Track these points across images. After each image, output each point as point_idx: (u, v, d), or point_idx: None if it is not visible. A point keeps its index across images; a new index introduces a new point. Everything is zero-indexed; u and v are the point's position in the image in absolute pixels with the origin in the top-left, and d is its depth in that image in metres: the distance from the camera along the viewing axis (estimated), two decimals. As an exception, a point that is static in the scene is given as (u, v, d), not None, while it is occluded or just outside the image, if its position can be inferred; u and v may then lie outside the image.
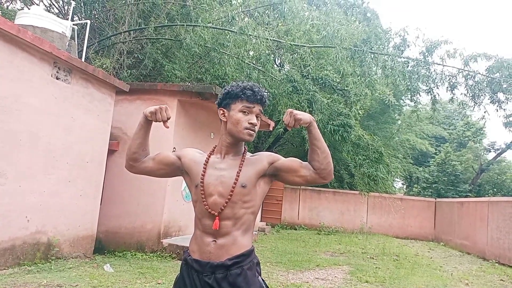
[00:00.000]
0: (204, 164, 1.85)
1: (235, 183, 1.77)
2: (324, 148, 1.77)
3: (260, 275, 1.86)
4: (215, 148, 1.93)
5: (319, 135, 1.77)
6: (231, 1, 10.95)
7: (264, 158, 1.88)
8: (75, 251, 6.28)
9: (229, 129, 1.84)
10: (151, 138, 1.98)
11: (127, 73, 9.02)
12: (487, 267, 9.48)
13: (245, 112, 1.81)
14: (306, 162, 1.82)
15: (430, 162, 23.13)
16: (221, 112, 1.87)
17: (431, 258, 10.44)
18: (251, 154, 1.92)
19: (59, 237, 5.89)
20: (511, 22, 63.12)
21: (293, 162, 1.84)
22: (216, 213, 1.76)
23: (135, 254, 7.03)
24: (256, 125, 1.83)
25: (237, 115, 1.81)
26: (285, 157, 1.90)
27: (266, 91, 1.89)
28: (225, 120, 1.85)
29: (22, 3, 10.93)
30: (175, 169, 1.95)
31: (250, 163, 1.85)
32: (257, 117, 1.85)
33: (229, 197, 1.76)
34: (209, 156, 1.89)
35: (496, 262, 10.16)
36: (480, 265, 9.86)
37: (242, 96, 1.81)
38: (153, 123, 1.93)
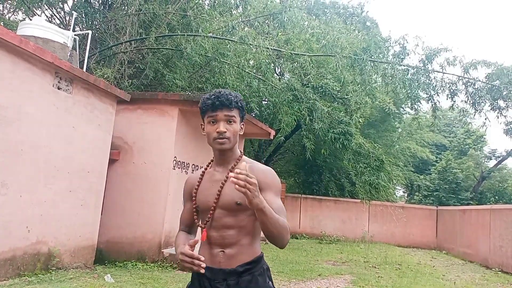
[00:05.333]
0: (198, 182, 1.87)
1: (217, 196, 1.77)
2: (273, 234, 1.60)
3: (271, 281, 1.86)
4: (212, 160, 1.93)
5: (272, 216, 1.57)
6: (231, 11, 11.04)
7: (258, 180, 1.73)
8: (76, 261, 6.24)
9: (207, 142, 1.85)
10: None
11: (128, 82, 9.06)
12: (490, 276, 9.41)
13: (212, 121, 1.79)
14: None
15: (431, 170, 23.08)
16: (202, 126, 1.87)
17: (433, 266, 10.37)
18: (252, 165, 1.81)
19: (59, 247, 5.86)
20: (510, 28, 63.47)
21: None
22: (202, 226, 1.78)
23: (136, 264, 6.99)
24: (224, 132, 1.75)
25: (207, 128, 1.81)
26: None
27: (234, 94, 1.80)
28: (204, 134, 1.85)
29: (24, 14, 11.03)
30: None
31: None
32: (228, 121, 1.78)
33: (212, 209, 1.77)
34: (204, 172, 1.90)
35: (499, 271, 10.09)
36: (483, 273, 9.79)
37: (204, 107, 1.80)
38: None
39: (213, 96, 1.78)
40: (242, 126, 1.85)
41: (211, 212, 1.76)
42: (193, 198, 1.84)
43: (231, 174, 1.51)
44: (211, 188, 1.81)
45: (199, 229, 1.90)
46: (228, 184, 1.77)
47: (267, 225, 1.58)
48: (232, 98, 1.78)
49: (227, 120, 1.78)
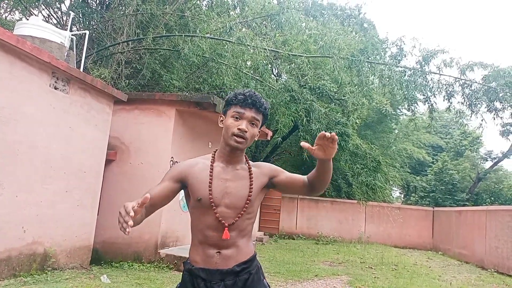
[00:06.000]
0: (210, 175, 1.78)
1: (249, 199, 1.76)
2: (329, 179, 1.77)
3: (265, 278, 1.88)
4: (215, 153, 1.88)
5: (331, 169, 1.74)
6: (229, 12, 11.05)
7: (266, 172, 1.87)
8: (72, 262, 6.22)
9: (222, 135, 1.83)
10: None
11: (125, 83, 9.05)
12: (486, 276, 9.45)
13: (236, 117, 1.77)
14: (305, 178, 1.82)
15: (427, 171, 23.15)
16: (220, 118, 1.86)
17: (429, 267, 10.40)
18: (252, 164, 1.90)
19: (55, 247, 5.84)
20: (506, 31, 63.78)
21: (295, 180, 1.86)
22: (226, 224, 1.73)
23: (132, 265, 6.97)
24: (245, 131, 1.75)
25: (228, 121, 1.78)
26: (283, 167, 1.91)
27: (265, 100, 1.85)
28: (221, 126, 1.83)
29: (21, 14, 10.99)
30: (176, 192, 1.83)
31: (254, 176, 1.84)
32: (252, 123, 1.78)
33: (242, 212, 1.75)
34: (212, 165, 1.82)
35: (495, 271, 10.13)
36: (479, 274, 9.82)
37: (234, 101, 1.78)
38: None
39: (247, 93, 1.78)
40: (258, 132, 1.86)
41: (241, 213, 1.75)
42: (210, 194, 1.75)
43: (327, 134, 1.58)
44: (219, 185, 1.77)
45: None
46: (237, 182, 1.80)
47: (329, 170, 1.73)
48: (263, 103, 1.81)
49: (251, 121, 1.78)
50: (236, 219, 1.74)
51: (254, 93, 1.80)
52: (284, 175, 1.87)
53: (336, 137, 1.58)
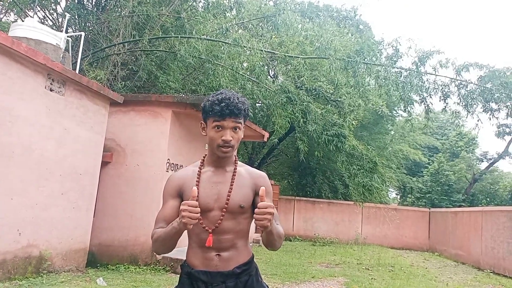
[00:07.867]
0: (196, 182, 1.77)
1: (228, 200, 1.73)
2: (275, 245, 1.75)
3: (262, 280, 1.87)
4: (204, 158, 1.85)
5: (276, 232, 1.69)
6: (225, 13, 11.06)
7: (256, 185, 1.80)
8: (68, 264, 6.18)
9: (208, 144, 1.79)
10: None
11: (121, 84, 9.02)
12: (482, 277, 9.47)
13: (218, 127, 1.72)
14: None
15: (424, 172, 23.22)
16: (202, 126, 1.81)
17: (426, 268, 10.41)
18: (246, 168, 1.86)
19: (51, 250, 5.80)
20: (501, 31, 64.22)
21: None
22: (210, 230, 1.70)
23: (128, 267, 6.94)
24: (229, 141, 1.71)
25: (210, 133, 1.74)
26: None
27: (242, 100, 1.75)
28: (205, 135, 1.79)
29: (16, 16, 10.95)
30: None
31: (245, 180, 1.80)
32: (235, 129, 1.73)
33: (222, 213, 1.72)
34: (200, 171, 1.81)
35: (491, 272, 10.16)
36: (475, 275, 9.85)
37: (211, 112, 1.72)
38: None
39: (222, 104, 1.69)
40: (243, 129, 1.82)
41: (222, 215, 1.71)
42: (197, 199, 1.73)
43: (257, 211, 1.55)
44: (211, 189, 1.75)
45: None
46: (227, 185, 1.76)
47: (270, 239, 1.71)
48: (241, 106, 1.72)
49: (233, 127, 1.73)
50: (218, 223, 1.71)
51: (230, 100, 1.71)
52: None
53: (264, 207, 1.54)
